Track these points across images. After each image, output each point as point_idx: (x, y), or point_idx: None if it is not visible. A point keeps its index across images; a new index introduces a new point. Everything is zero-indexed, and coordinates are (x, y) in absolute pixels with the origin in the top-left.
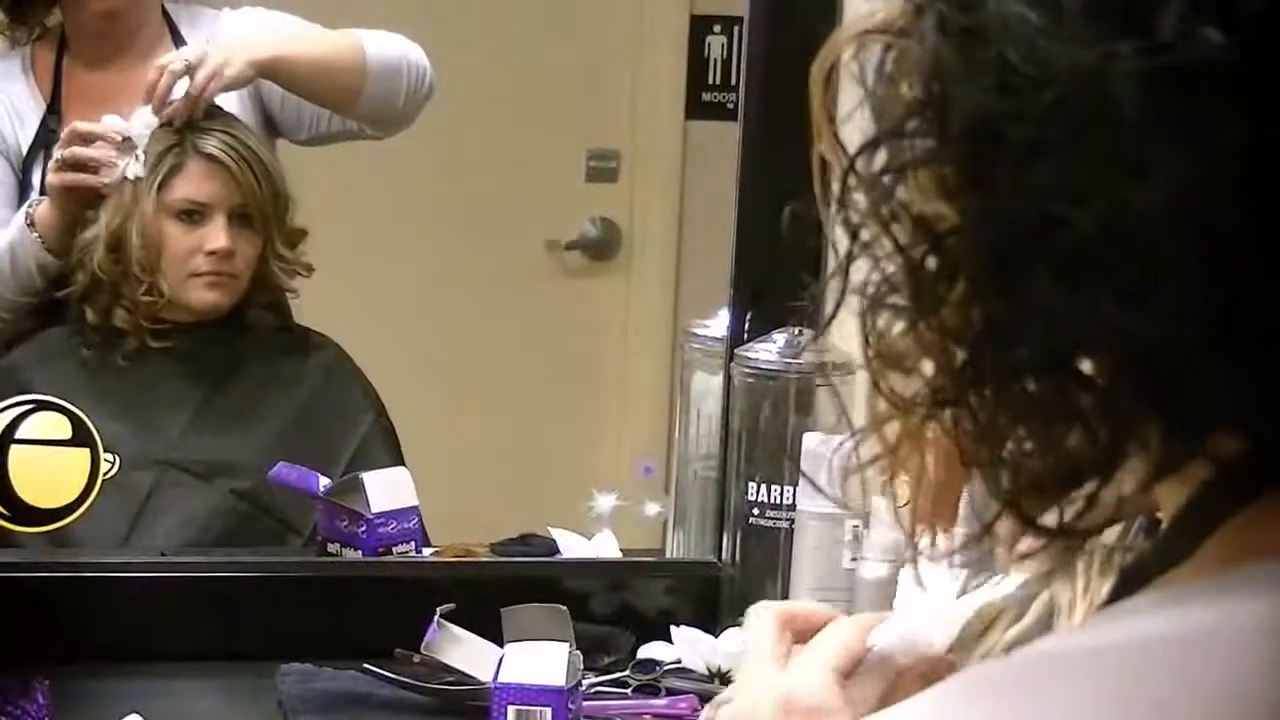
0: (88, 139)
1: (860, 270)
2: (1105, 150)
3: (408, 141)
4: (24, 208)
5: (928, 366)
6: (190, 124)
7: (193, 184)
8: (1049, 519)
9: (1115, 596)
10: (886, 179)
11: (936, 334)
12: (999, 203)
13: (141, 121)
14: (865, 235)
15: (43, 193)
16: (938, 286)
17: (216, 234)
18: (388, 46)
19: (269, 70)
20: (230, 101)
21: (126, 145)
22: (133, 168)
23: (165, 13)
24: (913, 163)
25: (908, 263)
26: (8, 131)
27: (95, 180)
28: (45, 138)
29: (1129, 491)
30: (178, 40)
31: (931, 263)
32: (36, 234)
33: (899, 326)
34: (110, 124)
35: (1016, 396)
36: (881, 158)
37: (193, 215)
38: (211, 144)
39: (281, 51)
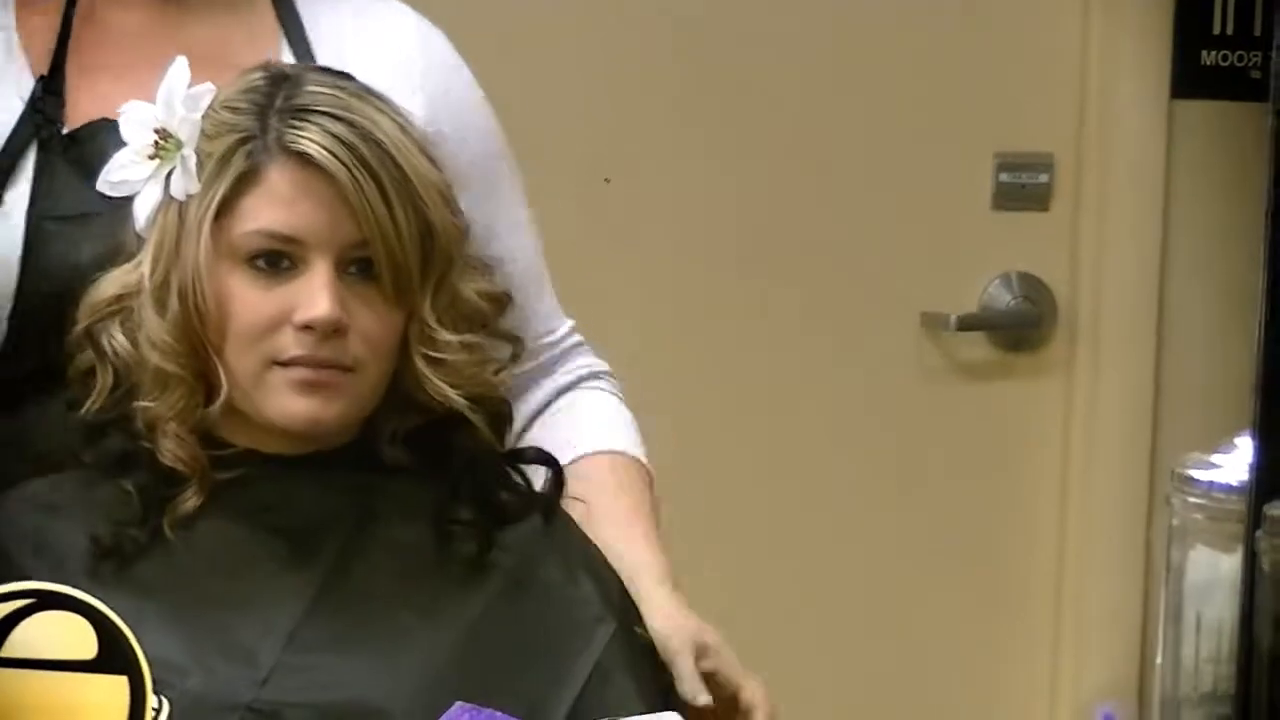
0: None
1: None
2: None
3: (710, 159)
4: None
5: None
6: (274, 82)
7: (274, 205)
8: None
9: None
10: None
11: None
12: None
13: (177, 92)
14: None
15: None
16: None
17: (313, 294)
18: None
19: None
20: None
21: (166, 143)
22: (178, 178)
23: None
24: None
25: None
26: None
27: None
28: (29, 135)
29: None
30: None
31: None
32: None
33: None
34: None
35: None
36: None
37: (275, 259)
38: (309, 135)
39: None
